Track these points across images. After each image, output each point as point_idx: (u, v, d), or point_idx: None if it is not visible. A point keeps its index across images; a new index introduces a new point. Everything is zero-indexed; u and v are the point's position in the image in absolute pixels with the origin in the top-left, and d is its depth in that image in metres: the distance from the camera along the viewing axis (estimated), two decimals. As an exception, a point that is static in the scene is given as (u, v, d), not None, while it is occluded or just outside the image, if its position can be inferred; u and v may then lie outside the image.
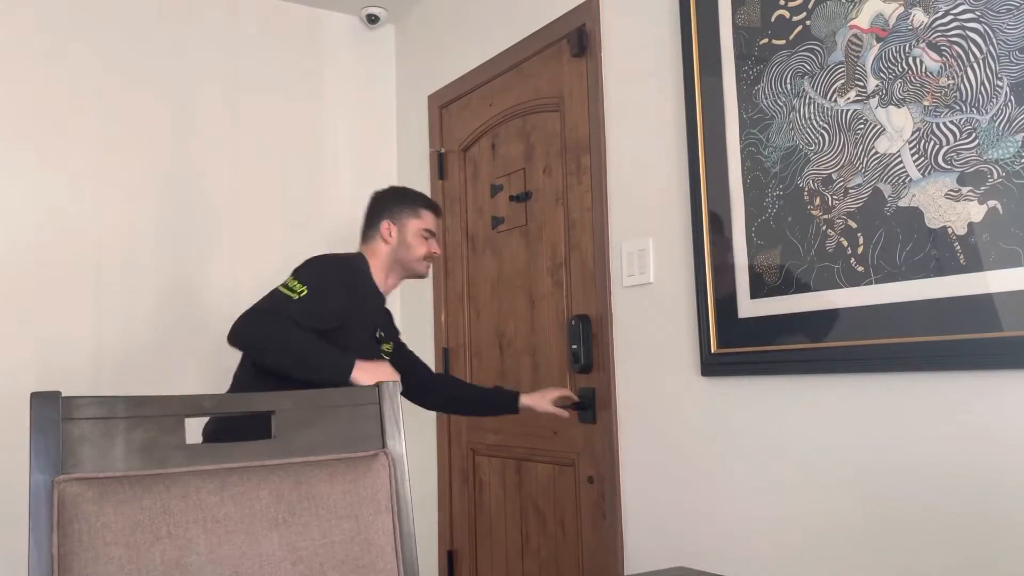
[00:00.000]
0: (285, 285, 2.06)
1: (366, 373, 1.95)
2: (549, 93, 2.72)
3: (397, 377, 1.97)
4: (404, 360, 2.41)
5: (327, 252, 2.27)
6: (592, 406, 2.46)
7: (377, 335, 2.25)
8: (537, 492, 2.71)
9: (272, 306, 2.02)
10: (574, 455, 2.56)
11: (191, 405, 1.25)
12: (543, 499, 2.68)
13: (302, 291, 2.03)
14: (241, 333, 1.99)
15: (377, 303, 2.26)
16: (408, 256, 2.27)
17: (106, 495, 1.07)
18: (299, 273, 2.10)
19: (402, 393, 2.47)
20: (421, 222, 2.29)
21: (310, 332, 2.00)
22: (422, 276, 2.34)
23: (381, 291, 2.26)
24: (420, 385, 2.44)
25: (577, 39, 2.55)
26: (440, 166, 3.26)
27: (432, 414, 3.13)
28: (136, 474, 1.12)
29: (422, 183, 3.27)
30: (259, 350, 2.01)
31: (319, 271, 2.12)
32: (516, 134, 2.88)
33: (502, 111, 2.94)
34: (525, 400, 2.40)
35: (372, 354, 2.19)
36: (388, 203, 2.32)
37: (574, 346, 2.50)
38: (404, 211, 2.29)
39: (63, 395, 1.10)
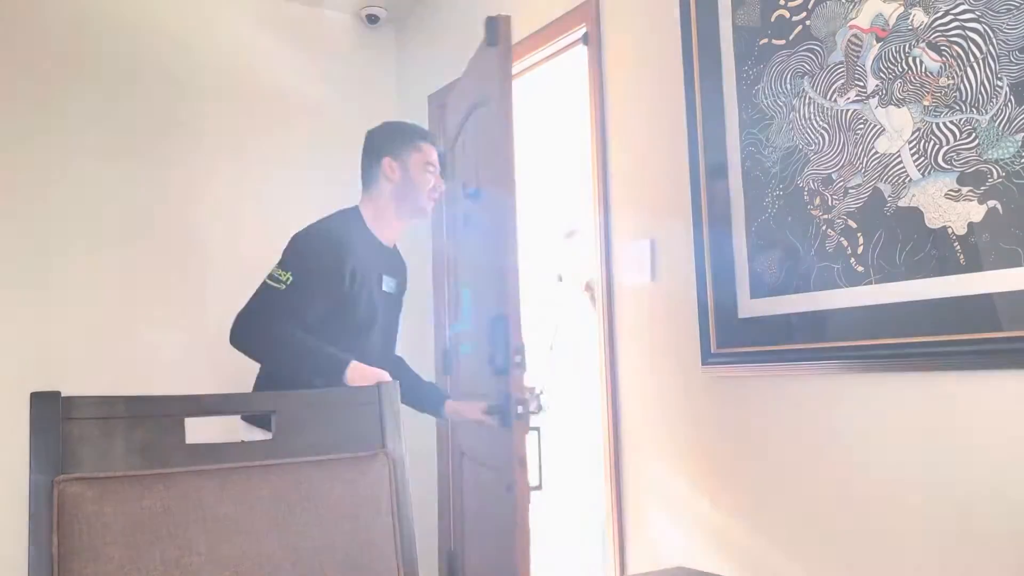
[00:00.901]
0: (271, 276, 2.04)
1: (359, 375, 1.95)
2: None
3: (388, 379, 1.93)
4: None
5: (311, 223, 2.18)
6: (508, 410, 2.10)
7: (384, 287, 2.19)
8: (483, 497, 2.46)
9: (263, 306, 2.00)
10: (501, 462, 2.22)
11: (191, 405, 1.25)
12: (486, 504, 2.43)
13: (287, 279, 2.00)
14: (240, 338, 2.01)
15: (374, 253, 2.19)
16: (414, 192, 2.20)
17: (106, 495, 1.07)
18: (283, 259, 2.08)
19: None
20: (423, 155, 2.22)
21: (313, 319, 2.00)
22: (425, 213, 2.25)
23: (380, 240, 2.21)
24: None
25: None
26: (440, 166, 3.25)
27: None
28: (136, 474, 1.11)
29: (422, 183, 3.26)
30: (260, 357, 2.05)
31: (301, 251, 2.08)
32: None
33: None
34: (450, 408, 2.29)
35: (383, 309, 2.18)
36: (386, 140, 2.24)
37: (489, 347, 2.24)
38: (405, 146, 2.22)
39: (63, 395, 1.10)
